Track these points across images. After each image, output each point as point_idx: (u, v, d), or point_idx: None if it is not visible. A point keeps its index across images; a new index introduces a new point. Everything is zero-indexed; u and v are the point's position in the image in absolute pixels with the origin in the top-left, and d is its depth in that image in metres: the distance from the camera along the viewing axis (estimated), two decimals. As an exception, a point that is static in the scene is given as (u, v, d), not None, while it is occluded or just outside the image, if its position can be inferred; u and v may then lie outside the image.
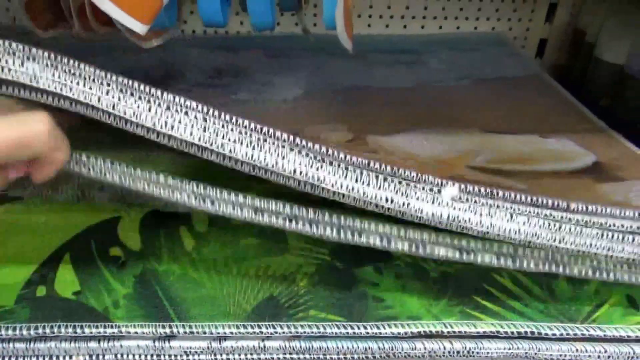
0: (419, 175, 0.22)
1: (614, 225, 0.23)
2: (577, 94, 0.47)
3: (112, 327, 0.23)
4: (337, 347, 0.24)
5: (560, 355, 0.24)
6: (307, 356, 0.24)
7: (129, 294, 0.25)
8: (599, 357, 0.24)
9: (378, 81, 0.47)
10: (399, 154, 0.34)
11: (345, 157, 0.21)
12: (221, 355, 0.24)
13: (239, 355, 0.24)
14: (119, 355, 0.23)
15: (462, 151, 0.35)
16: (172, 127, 0.21)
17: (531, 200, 0.23)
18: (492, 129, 0.39)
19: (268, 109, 0.41)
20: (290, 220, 0.22)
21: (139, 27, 0.22)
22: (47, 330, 0.23)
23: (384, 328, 0.24)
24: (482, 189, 0.22)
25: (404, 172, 0.22)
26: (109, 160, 0.22)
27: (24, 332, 0.23)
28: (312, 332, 0.24)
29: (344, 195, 0.21)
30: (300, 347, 0.24)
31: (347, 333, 0.24)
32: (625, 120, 0.45)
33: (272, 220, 0.22)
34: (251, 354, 0.24)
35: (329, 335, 0.24)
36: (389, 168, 0.22)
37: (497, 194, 0.23)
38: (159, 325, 0.23)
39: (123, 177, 0.22)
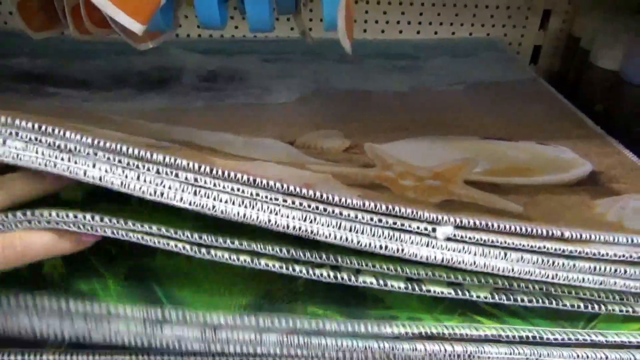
0: (414, 212, 0.22)
1: (607, 254, 0.23)
2: (572, 100, 0.47)
3: (100, 306, 0.22)
4: (337, 345, 0.23)
5: None
6: (305, 352, 0.23)
7: (120, 283, 0.24)
8: None
9: (374, 86, 0.47)
10: (396, 165, 0.33)
11: (339, 200, 0.21)
12: (215, 345, 0.23)
13: (234, 347, 0.23)
14: (107, 338, 0.22)
15: (459, 160, 0.35)
16: (162, 194, 0.20)
17: (525, 231, 0.23)
18: (489, 135, 0.39)
19: (263, 113, 0.41)
20: (287, 266, 0.23)
21: (136, 27, 0.21)
22: (30, 303, 0.22)
23: (385, 328, 0.23)
24: (477, 222, 0.22)
25: (400, 210, 0.22)
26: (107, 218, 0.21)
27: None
28: (311, 328, 0.23)
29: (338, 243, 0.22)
30: (298, 342, 0.23)
31: (347, 331, 0.23)
32: (620, 126, 0.45)
33: (269, 265, 0.23)
34: (247, 347, 0.23)
35: (328, 332, 0.23)
36: (384, 207, 0.22)
37: (492, 226, 0.23)
38: (150, 307, 0.22)
39: (116, 231, 0.22)
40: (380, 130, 0.39)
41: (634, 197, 0.31)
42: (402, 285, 0.23)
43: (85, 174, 0.20)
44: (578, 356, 0.24)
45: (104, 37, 0.30)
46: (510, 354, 0.24)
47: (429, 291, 0.23)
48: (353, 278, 0.23)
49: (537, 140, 0.38)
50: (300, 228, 0.21)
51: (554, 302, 0.24)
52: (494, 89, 0.48)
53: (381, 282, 0.23)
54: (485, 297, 0.24)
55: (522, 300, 0.24)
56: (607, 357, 0.24)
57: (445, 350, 0.23)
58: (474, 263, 0.22)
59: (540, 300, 0.24)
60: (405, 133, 0.38)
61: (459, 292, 0.24)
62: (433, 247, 0.22)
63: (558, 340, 0.24)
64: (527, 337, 0.24)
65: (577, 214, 0.29)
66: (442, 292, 0.24)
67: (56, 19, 0.30)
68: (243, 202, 0.21)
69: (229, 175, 0.21)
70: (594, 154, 0.37)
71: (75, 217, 0.21)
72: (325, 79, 0.48)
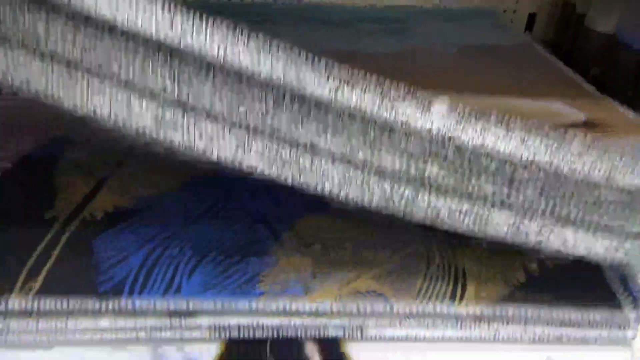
0: (407, 88, 0.20)
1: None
2: (567, 67, 0.46)
3: None
4: (331, 168, 0.20)
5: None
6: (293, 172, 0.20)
7: None
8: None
9: (363, 47, 0.46)
10: None
11: (327, 62, 0.19)
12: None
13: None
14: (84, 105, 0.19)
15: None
16: (136, 20, 0.17)
17: (525, 125, 0.21)
18: (482, 93, 0.38)
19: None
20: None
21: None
22: None
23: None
24: (474, 111, 0.20)
25: (390, 83, 0.20)
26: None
27: None
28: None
29: (326, 105, 0.19)
30: (290, 156, 0.20)
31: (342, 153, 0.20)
32: (615, 88, 0.44)
33: None
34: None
35: (323, 149, 0.20)
36: (373, 78, 0.19)
37: (490, 116, 0.20)
38: None
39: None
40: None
41: (633, 139, 0.30)
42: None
43: None
44: None
45: None
46: (516, 224, 0.21)
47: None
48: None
49: (531, 98, 0.37)
50: (285, 75, 0.18)
51: None
52: (487, 52, 0.47)
53: None
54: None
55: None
56: None
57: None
58: (473, 138, 0.20)
59: None
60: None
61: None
62: (430, 117, 0.20)
63: None
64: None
65: None
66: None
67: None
68: (223, 41, 0.18)
69: (207, 19, 0.18)
70: (587, 109, 0.36)
71: None
72: (312, 40, 0.47)
